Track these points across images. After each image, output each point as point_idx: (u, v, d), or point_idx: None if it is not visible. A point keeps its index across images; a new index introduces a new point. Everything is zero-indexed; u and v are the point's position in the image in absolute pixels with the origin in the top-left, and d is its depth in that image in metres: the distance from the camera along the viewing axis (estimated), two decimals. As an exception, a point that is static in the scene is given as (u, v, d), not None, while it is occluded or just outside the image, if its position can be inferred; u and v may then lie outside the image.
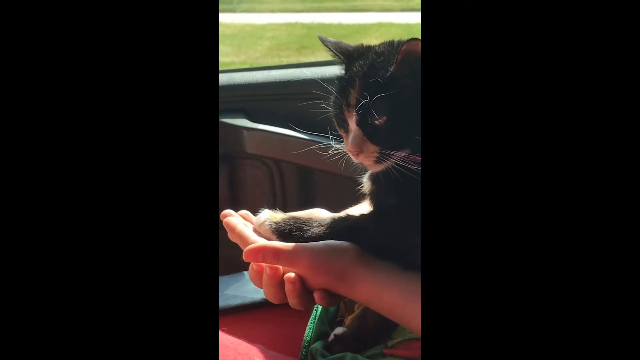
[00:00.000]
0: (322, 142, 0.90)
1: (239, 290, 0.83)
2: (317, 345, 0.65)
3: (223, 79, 1.12)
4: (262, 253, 0.57)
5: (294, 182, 1.13)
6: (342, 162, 0.62)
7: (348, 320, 0.69)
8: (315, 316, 0.71)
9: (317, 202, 0.66)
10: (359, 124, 0.57)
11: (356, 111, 0.56)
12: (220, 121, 1.08)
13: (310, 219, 0.61)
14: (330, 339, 0.65)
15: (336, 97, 0.59)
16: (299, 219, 0.61)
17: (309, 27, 4.83)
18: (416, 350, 0.59)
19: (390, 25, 4.53)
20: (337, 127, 0.61)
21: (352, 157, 0.59)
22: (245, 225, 0.62)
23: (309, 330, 0.68)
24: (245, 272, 0.88)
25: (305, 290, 0.57)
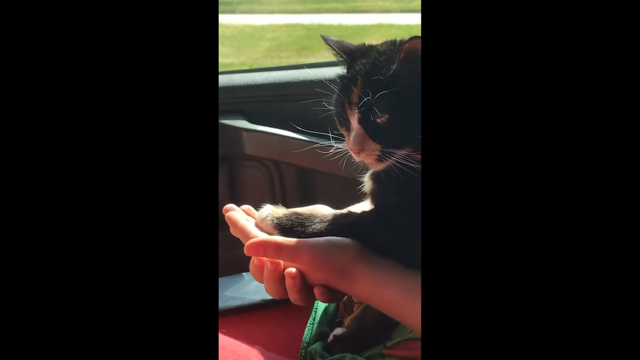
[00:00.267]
0: (322, 143, 0.90)
1: (238, 291, 0.83)
2: (317, 346, 0.65)
3: (223, 80, 1.12)
4: (264, 247, 0.57)
5: (293, 183, 1.13)
6: (343, 162, 0.62)
7: (347, 321, 0.69)
8: (314, 317, 0.71)
9: (316, 203, 0.66)
10: (360, 121, 0.57)
11: (358, 109, 0.56)
12: (220, 122, 1.07)
13: (312, 215, 0.61)
14: (329, 339, 0.65)
15: (338, 95, 0.59)
16: (300, 214, 0.61)
17: (308, 28, 4.83)
18: (416, 351, 0.59)
19: (390, 26, 4.55)
20: (338, 126, 0.61)
21: (353, 155, 0.59)
22: (247, 220, 0.62)
23: (308, 331, 0.68)
24: (244, 274, 0.88)
25: (305, 285, 0.57)
